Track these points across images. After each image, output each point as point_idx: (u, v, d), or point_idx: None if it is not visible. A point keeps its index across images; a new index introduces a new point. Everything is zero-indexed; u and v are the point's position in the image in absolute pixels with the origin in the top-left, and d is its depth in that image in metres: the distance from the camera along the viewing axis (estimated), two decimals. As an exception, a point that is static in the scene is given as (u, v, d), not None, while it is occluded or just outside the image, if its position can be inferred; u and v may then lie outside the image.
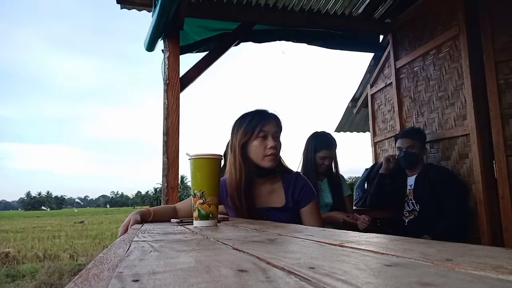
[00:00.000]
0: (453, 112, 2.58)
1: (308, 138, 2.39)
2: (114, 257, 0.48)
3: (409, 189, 2.58)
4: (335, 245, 0.52)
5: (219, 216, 1.21)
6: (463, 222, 2.37)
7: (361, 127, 5.20)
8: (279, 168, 1.54)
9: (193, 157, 1.07)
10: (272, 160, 1.45)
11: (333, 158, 2.36)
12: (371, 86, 3.68)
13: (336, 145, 2.37)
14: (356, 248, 0.47)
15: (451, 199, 2.37)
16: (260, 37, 3.05)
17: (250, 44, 3.05)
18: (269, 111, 1.51)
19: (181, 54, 2.58)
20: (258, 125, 1.44)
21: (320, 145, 2.32)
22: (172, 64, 2.50)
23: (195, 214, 1.06)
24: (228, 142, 2.32)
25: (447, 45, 2.64)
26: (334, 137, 2.41)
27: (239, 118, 1.52)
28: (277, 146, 1.46)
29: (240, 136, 1.46)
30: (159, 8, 2.15)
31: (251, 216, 1.42)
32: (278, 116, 1.52)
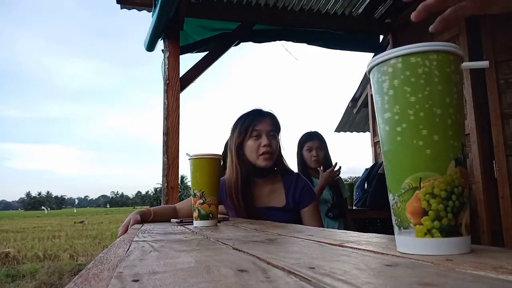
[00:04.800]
0: (453, 112, 2.58)
1: None
2: (114, 257, 0.48)
3: None
4: (335, 245, 0.52)
5: (219, 216, 1.22)
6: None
7: (361, 127, 5.20)
8: (280, 168, 1.54)
9: (193, 157, 1.07)
10: (267, 159, 1.44)
11: (321, 149, 2.38)
12: (371, 86, 3.68)
13: (319, 138, 2.42)
14: (356, 248, 0.47)
15: None
16: (260, 37, 3.05)
17: (250, 44, 3.05)
18: (264, 110, 1.51)
19: (181, 54, 2.58)
20: (250, 125, 1.44)
21: (303, 140, 2.43)
22: (172, 64, 2.50)
23: (195, 214, 1.06)
24: (226, 143, 2.34)
25: (447, 45, 2.64)
26: (321, 133, 2.48)
27: (238, 119, 1.53)
28: (272, 145, 1.45)
29: (236, 137, 1.47)
30: (159, 8, 2.15)
31: (250, 216, 1.42)
32: (273, 114, 1.51)
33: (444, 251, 0.39)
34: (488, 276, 0.28)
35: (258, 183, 1.51)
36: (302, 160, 2.40)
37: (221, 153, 1.70)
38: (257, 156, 1.43)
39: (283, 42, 3.14)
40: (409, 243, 0.41)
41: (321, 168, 2.42)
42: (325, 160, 2.38)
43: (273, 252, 0.47)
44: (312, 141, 2.38)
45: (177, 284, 0.30)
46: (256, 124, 1.44)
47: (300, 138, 2.45)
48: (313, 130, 2.48)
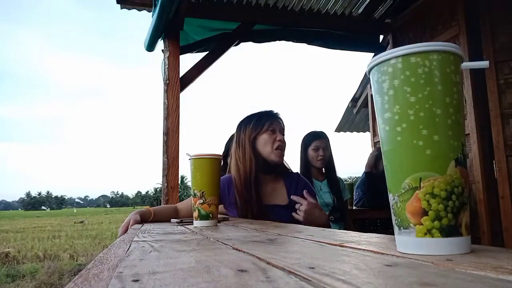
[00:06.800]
0: (453, 112, 2.58)
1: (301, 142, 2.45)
2: (114, 257, 0.48)
3: None
4: (335, 245, 0.52)
5: (219, 216, 1.22)
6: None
7: (361, 127, 5.20)
8: (281, 167, 1.59)
9: (193, 157, 1.07)
10: (280, 155, 1.53)
11: (327, 149, 2.36)
12: (371, 86, 3.68)
13: (326, 138, 2.40)
14: (356, 248, 0.47)
15: None
16: (260, 37, 3.04)
17: (250, 44, 3.05)
18: (275, 111, 1.61)
19: (181, 54, 2.58)
20: (267, 120, 1.54)
21: (310, 139, 2.40)
22: (172, 64, 2.49)
23: (195, 214, 1.06)
24: (227, 144, 2.33)
25: (447, 45, 2.64)
26: (326, 134, 2.45)
27: (246, 117, 1.61)
28: (284, 142, 1.55)
29: (250, 131, 1.54)
30: (159, 8, 2.15)
31: (257, 212, 1.44)
32: (282, 117, 1.62)
33: (444, 251, 0.39)
34: (488, 276, 0.28)
35: (262, 181, 1.54)
36: (306, 160, 2.38)
37: (221, 153, 1.71)
38: (272, 149, 1.51)
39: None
40: (409, 243, 0.41)
41: (324, 170, 2.42)
42: (329, 160, 2.38)
43: (273, 252, 0.47)
44: (319, 140, 2.36)
45: (177, 284, 0.30)
46: (272, 121, 1.55)
47: (306, 137, 2.43)
48: (318, 130, 2.47)
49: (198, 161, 1.07)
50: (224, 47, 2.85)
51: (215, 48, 2.86)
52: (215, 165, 1.08)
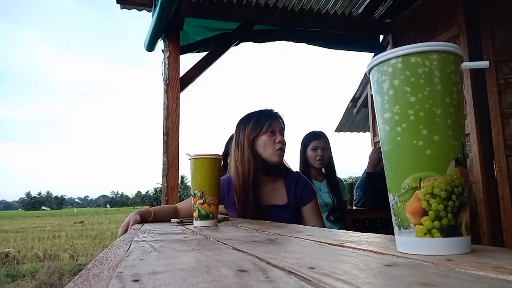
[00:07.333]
0: (453, 112, 2.58)
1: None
2: (114, 257, 0.48)
3: None
4: (335, 245, 0.52)
5: (219, 216, 1.22)
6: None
7: (361, 127, 5.21)
8: (281, 167, 1.57)
9: (193, 157, 1.07)
10: (280, 155, 1.50)
11: (326, 150, 2.35)
12: (371, 86, 3.68)
13: (325, 138, 2.39)
14: (356, 248, 0.47)
15: None
16: (260, 37, 3.04)
17: (250, 44, 3.05)
18: (275, 111, 1.58)
19: (181, 54, 2.58)
20: (267, 121, 1.51)
21: (308, 139, 2.39)
22: (172, 64, 2.49)
23: (195, 214, 1.06)
24: (227, 144, 2.33)
25: (447, 45, 2.64)
26: (326, 134, 2.45)
27: (245, 116, 1.57)
28: (284, 142, 1.52)
29: (249, 132, 1.51)
30: (159, 8, 2.15)
31: (255, 213, 1.43)
32: (282, 116, 1.58)
33: (444, 251, 0.39)
34: (488, 276, 0.28)
35: (261, 181, 1.53)
36: (305, 160, 2.37)
37: (221, 153, 1.70)
38: (273, 150, 1.48)
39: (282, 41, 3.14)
40: (409, 243, 0.41)
41: (324, 171, 2.41)
42: (329, 161, 2.37)
43: (273, 252, 0.47)
44: (318, 140, 2.35)
45: (177, 284, 0.30)
46: (272, 121, 1.52)
47: (305, 137, 2.42)
48: (318, 130, 2.46)
49: (198, 161, 1.07)
50: (224, 47, 2.85)
51: (215, 48, 2.86)
52: (215, 165, 1.08)
